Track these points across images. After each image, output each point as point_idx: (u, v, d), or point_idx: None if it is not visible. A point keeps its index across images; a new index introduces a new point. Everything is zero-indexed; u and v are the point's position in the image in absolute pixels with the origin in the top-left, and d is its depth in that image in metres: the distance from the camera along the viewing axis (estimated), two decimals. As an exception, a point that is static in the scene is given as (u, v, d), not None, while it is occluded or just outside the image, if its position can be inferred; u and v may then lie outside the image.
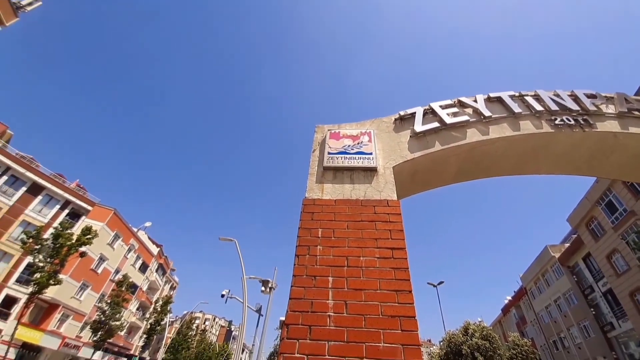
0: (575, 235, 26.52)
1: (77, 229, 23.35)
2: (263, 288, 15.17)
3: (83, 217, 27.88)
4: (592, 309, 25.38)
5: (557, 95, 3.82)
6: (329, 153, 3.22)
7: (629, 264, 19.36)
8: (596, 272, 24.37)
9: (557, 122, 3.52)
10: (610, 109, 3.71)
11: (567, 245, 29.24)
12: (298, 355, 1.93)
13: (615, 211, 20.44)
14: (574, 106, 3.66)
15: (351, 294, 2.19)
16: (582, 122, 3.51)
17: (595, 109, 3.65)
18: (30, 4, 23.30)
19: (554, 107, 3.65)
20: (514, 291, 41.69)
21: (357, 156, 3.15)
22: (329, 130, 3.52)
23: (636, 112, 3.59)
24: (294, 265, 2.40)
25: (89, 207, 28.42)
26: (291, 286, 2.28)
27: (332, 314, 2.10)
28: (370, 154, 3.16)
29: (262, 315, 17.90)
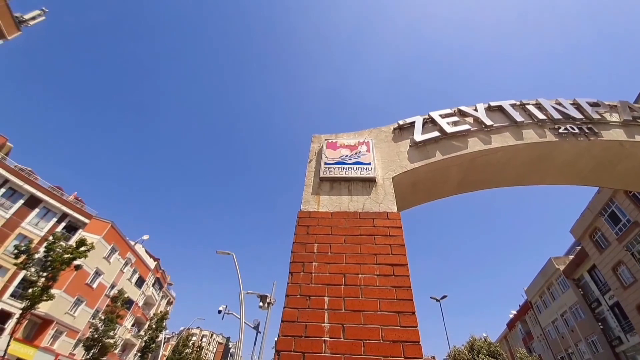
0: (579, 247, 26.10)
1: (72, 242, 23.03)
2: (261, 303, 14.73)
3: (80, 231, 27.51)
4: (599, 323, 24.66)
5: (560, 104, 3.73)
6: (325, 163, 3.10)
7: (635, 276, 18.93)
8: (602, 284, 23.82)
9: (561, 130, 3.42)
10: (615, 117, 3.61)
11: (571, 257, 28.76)
12: (290, 386, 1.73)
13: (618, 222, 20.16)
14: (577, 115, 3.56)
15: (349, 316, 2.01)
16: (586, 131, 3.41)
17: (599, 117, 3.56)
18: (33, 18, 23.80)
19: (557, 115, 3.56)
20: (519, 305, 40.69)
21: (355, 166, 3.02)
22: (325, 140, 3.40)
23: (642, 120, 3.49)
24: (288, 283, 2.22)
25: (86, 220, 28.09)
26: (284, 307, 2.10)
27: (328, 338, 1.91)
28: (369, 164, 3.04)
29: (260, 332, 17.35)
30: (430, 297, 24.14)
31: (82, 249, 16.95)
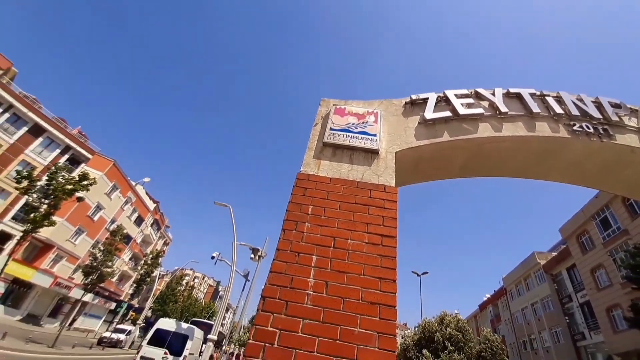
0: (564, 246, 26.83)
1: (75, 174, 23.48)
2: (252, 255, 15.51)
3: (82, 165, 27.93)
4: (566, 317, 26.24)
5: (580, 100, 3.59)
6: (331, 129, 3.06)
7: (612, 280, 19.72)
8: (578, 283, 24.92)
9: (575, 128, 3.33)
10: (633, 122, 3.50)
11: (554, 254, 29.68)
12: (271, 329, 1.90)
13: (608, 228, 20.51)
14: (596, 114, 3.44)
15: (334, 275, 2.14)
16: (601, 132, 3.32)
17: (617, 119, 3.44)
18: None
19: (575, 111, 3.44)
20: (494, 290, 42.95)
21: (360, 136, 2.99)
22: (334, 105, 3.33)
23: (660, 129, 3.39)
24: (279, 239, 2.33)
25: (89, 155, 28.40)
26: (273, 259, 2.22)
27: (311, 292, 2.05)
28: (374, 135, 3.00)
29: (249, 281, 18.46)
30: (412, 272, 25.35)
31: (85, 182, 17.28)
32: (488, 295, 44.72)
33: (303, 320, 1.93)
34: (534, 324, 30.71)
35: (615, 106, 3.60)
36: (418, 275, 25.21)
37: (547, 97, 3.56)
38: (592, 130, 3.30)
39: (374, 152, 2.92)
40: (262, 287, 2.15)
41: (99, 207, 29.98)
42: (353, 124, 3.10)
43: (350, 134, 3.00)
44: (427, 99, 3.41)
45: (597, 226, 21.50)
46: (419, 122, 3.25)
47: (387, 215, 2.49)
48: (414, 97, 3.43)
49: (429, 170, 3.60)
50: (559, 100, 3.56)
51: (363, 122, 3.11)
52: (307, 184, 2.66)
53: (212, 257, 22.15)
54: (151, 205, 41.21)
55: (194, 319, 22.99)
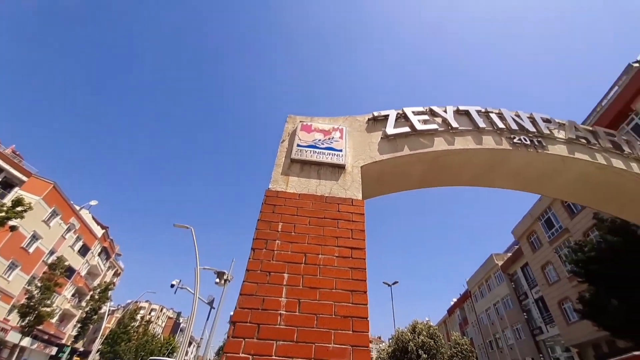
0: (517, 246, 29.21)
1: (8, 200, 20.68)
2: (218, 280, 14.67)
3: (16, 189, 24.75)
4: (525, 314, 28.19)
5: (518, 116, 4.07)
6: (298, 145, 3.11)
7: (559, 275, 21.73)
8: (531, 280, 27.06)
9: (515, 140, 3.75)
10: (561, 135, 4.03)
11: (509, 254, 32.13)
12: (243, 355, 1.81)
13: (552, 227, 22.80)
14: (531, 127, 3.92)
15: (306, 292, 2.11)
16: (536, 143, 3.77)
17: (548, 132, 3.95)
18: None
19: (514, 126, 3.89)
20: (460, 294, 44.97)
21: (326, 151, 3.07)
22: (300, 121, 3.40)
23: (582, 140, 3.95)
24: (249, 259, 2.26)
25: (24, 178, 25.25)
26: (243, 281, 2.14)
27: (284, 312, 2.00)
28: (340, 150, 3.11)
29: (214, 308, 17.36)
30: (383, 282, 25.73)
31: (19, 208, 15.30)
32: (455, 300, 46.66)
33: (276, 342, 1.87)
34: (497, 323, 32.50)
35: (546, 121, 4.14)
36: (389, 285, 25.65)
37: (490, 114, 3.98)
38: (529, 142, 3.74)
39: (340, 167, 3.01)
40: (231, 313, 2.05)
41: (35, 237, 26.40)
42: (320, 139, 3.18)
43: (317, 150, 3.07)
44: (388, 115, 3.63)
45: (543, 226, 23.80)
46: (381, 137, 3.43)
47: (355, 228, 2.55)
48: (375, 113, 3.63)
49: (391, 182, 3.78)
50: (501, 116, 4.00)
51: (329, 138, 3.21)
52: (276, 201, 2.64)
53: (172, 286, 20.47)
54: (99, 232, 37.23)
55: (151, 357, 20.77)
